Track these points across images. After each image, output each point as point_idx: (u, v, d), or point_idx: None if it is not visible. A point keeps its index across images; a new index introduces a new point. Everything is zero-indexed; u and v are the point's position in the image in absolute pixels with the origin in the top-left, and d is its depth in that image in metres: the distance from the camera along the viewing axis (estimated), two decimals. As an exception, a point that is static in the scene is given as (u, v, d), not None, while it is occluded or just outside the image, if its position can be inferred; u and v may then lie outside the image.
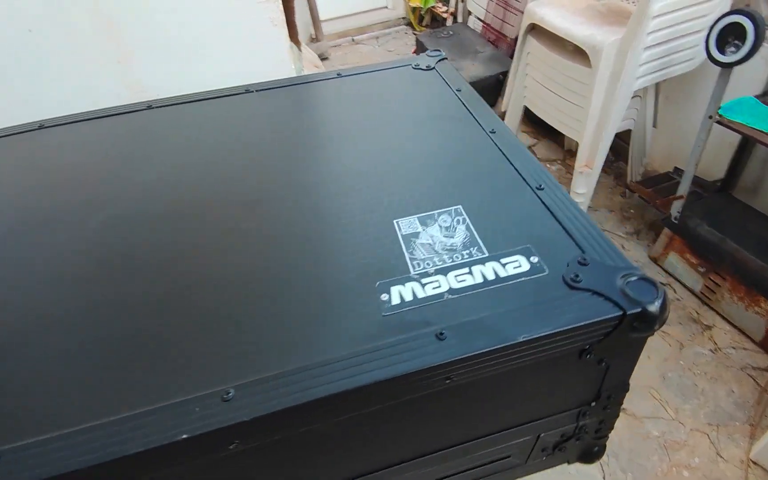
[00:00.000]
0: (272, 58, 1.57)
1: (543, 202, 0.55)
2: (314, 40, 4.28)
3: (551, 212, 0.53)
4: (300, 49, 1.79)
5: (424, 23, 4.71)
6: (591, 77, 1.98)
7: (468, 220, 0.54)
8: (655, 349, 1.80)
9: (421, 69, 0.87)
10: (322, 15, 4.34)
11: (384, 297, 0.45)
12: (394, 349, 0.40)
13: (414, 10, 4.58)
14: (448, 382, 0.41)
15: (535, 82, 2.41)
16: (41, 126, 0.78)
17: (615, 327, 0.42)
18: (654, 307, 0.41)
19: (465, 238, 0.51)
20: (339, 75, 0.87)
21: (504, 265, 0.48)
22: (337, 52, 4.60)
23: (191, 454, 0.36)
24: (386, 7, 4.83)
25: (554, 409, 0.51)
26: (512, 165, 0.61)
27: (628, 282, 0.43)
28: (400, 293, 0.46)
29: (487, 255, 0.49)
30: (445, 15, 4.60)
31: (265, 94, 0.83)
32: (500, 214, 0.54)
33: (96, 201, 0.59)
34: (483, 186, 0.58)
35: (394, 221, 0.54)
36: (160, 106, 0.81)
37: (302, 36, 4.14)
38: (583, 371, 0.47)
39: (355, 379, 0.38)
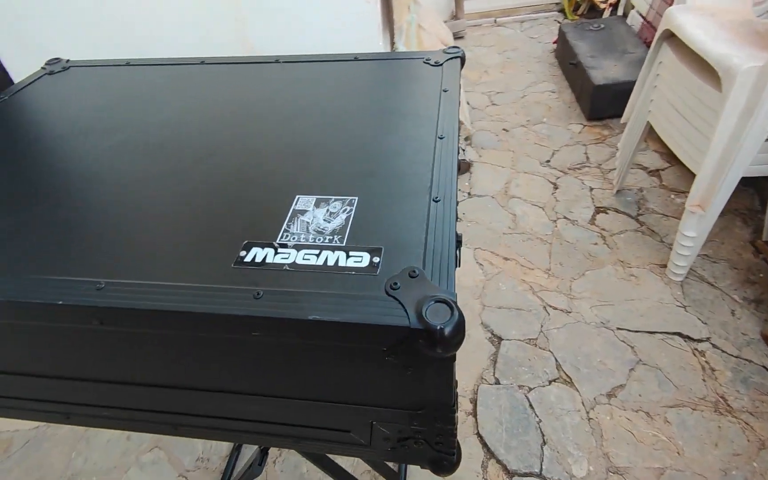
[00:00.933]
0: (363, 31, 1.68)
1: (428, 213, 0.57)
2: (453, 17, 4.25)
3: (427, 224, 0.55)
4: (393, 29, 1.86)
5: (579, 12, 4.32)
6: (720, 103, 1.69)
7: (353, 211, 0.59)
8: (727, 437, 1.56)
9: (429, 64, 0.89)
10: (467, -8, 4.27)
11: (242, 253, 0.54)
12: (218, 293, 0.50)
13: (570, -4, 4.21)
14: (255, 334, 0.49)
15: (662, 97, 2.12)
16: (128, 63, 1.01)
17: (405, 338, 0.45)
18: (436, 327, 0.43)
19: (338, 226, 0.57)
20: (356, 59, 0.94)
21: (348, 257, 0.53)
22: (474, 32, 4.51)
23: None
24: (540, -10, 4.52)
25: (380, 402, 0.55)
26: (432, 171, 0.63)
27: (432, 301, 0.45)
28: (255, 254, 0.54)
29: (342, 245, 0.54)
30: (603, 5, 4.16)
31: (287, 66, 0.95)
32: (384, 214, 0.58)
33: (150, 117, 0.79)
34: (391, 185, 0.62)
35: (297, 196, 0.62)
36: (211, 63, 0.98)
37: (442, 12, 4.14)
38: (395, 374, 0.50)
39: (172, 303, 0.48)
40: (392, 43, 2.20)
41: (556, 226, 2.46)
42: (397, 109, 0.78)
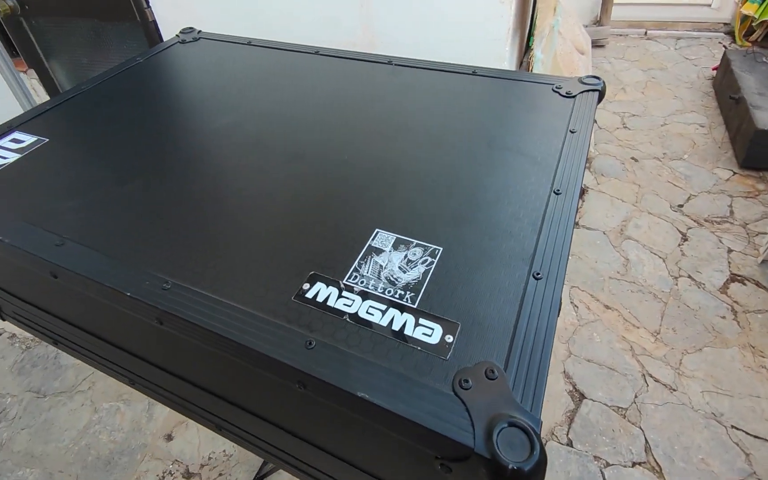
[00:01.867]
0: (491, 32, 1.56)
1: (524, 291, 0.46)
2: (597, 22, 3.85)
3: (520, 306, 0.45)
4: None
5: (752, 38, 3.66)
6: None
7: (435, 265, 0.51)
8: None
9: (559, 93, 0.76)
10: (619, -3, 3.81)
11: (306, 286, 0.49)
12: (273, 330, 0.45)
13: (745, 18, 3.58)
14: (299, 388, 0.44)
15: None
16: (249, 42, 1.02)
17: (463, 458, 0.37)
18: (508, 465, 0.34)
19: (414, 279, 0.49)
20: (474, 73, 0.84)
21: (417, 326, 0.45)
22: (619, 42, 4.04)
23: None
24: (708, 6, 3.91)
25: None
26: (538, 235, 0.52)
27: (508, 423, 0.36)
28: (319, 290, 0.49)
29: (413, 306, 0.47)
30: (787, 33, 3.48)
31: (399, 69, 0.88)
32: (470, 278, 0.49)
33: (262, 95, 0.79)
34: (485, 242, 0.52)
35: (377, 230, 0.55)
36: (325, 54, 0.95)
37: (585, 16, 3.77)
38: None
39: (227, 329, 0.45)
40: (522, 49, 2.03)
41: (676, 285, 2.12)
42: (510, 145, 0.67)
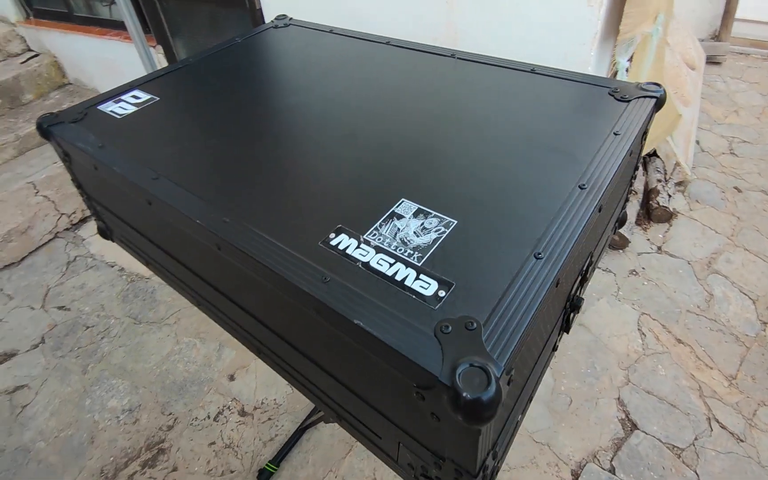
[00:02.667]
0: (576, 36, 1.54)
1: (521, 268, 0.51)
2: (714, 37, 3.49)
3: (513, 279, 0.49)
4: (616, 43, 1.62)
5: None
6: None
7: (445, 235, 0.56)
8: None
9: (614, 97, 0.76)
10: (744, 12, 3.41)
11: (332, 236, 0.58)
12: (298, 263, 0.55)
13: None
14: (315, 314, 0.53)
15: None
16: (331, 30, 1.14)
17: (431, 386, 0.43)
18: (463, 394, 0.40)
19: (424, 243, 0.56)
20: (533, 71, 0.86)
21: (416, 279, 0.51)
22: (738, 60, 3.62)
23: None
24: None
25: (407, 429, 0.53)
26: (550, 223, 0.55)
27: (471, 364, 0.42)
28: (341, 240, 0.57)
29: (417, 264, 0.53)
30: None
31: (461, 63, 0.93)
32: (475, 250, 0.54)
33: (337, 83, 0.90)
34: (498, 221, 0.57)
35: (402, 199, 0.62)
36: (395, 46, 1.03)
37: (702, 30, 3.44)
38: (423, 413, 0.48)
39: (264, 256, 0.55)
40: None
41: (764, 331, 1.91)
42: (549, 141, 0.70)
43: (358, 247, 0.56)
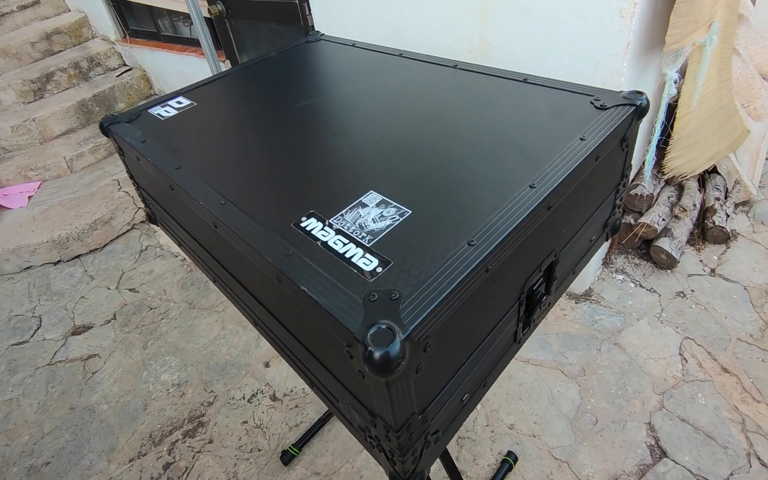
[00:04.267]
0: (607, 47, 1.54)
1: (454, 254, 0.56)
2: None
3: (444, 263, 0.55)
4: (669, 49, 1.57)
5: None
6: None
7: (398, 222, 0.63)
8: None
9: (594, 105, 0.78)
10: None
11: (304, 219, 0.67)
12: (270, 238, 0.64)
13: None
14: (277, 282, 0.62)
15: None
16: (353, 44, 1.24)
17: (352, 343, 0.50)
18: (369, 348, 0.47)
19: (378, 229, 0.63)
20: (525, 80, 0.90)
21: (363, 257, 0.59)
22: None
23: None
24: None
25: (350, 389, 0.60)
26: (489, 217, 0.60)
27: (384, 325, 0.48)
28: (310, 223, 0.66)
29: (366, 245, 0.60)
30: None
31: (460, 73, 0.99)
32: (421, 238, 0.60)
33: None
34: (445, 214, 0.63)
35: (371, 190, 0.70)
36: (407, 57, 1.11)
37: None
38: (353, 371, 0.55)
39: (244, 231, 0.66)
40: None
41: (829, 368, 1.73)
42: (516, 142, 0.74)
43: (322, 229, 0.65)
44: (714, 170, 2.40)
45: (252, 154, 0.85)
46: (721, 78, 2.28)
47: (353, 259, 0.59)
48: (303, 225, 0.66)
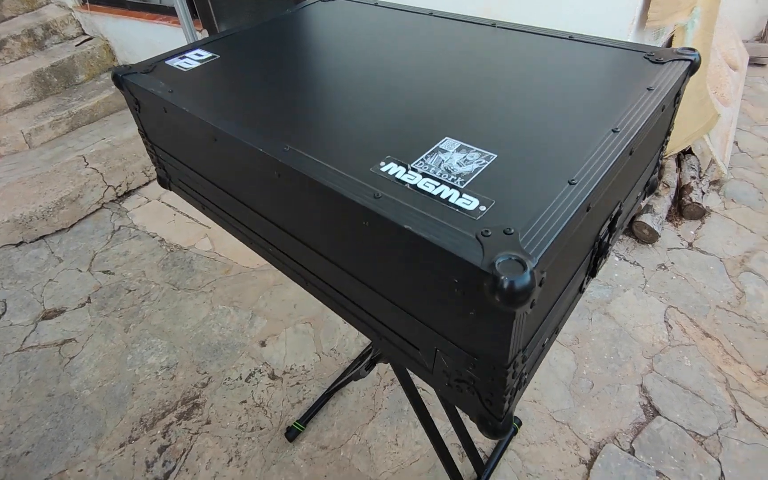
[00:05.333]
0: (613, 24, 1.57)
1: (557, 193, 0.56)
2: (760, 38, 3.41)
3: (549, 201, 0.55)
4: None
5: None
6: None
7: (486, 166, 0.62)
8: None
9: (650, 60, 0.80)
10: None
11: (382, 164, 0.65)
12: (354, 184, 0.61)
13: None
14: (365, 224, 0.59)
15: None
16: (376, 3, 1.21)
17: (473, 277, 0.49)
18: (501, 278, 0.45)
19: (467, 172, 0.61)
20: (570, 38, 0.91)
21: (460, 197, 0.57)
22: (786, 61, 3.51)
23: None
24: None
25: (444, 332, 0.59)
26: (584, 158, 0.60)
27: (509, 257, 0.47)
28: (391, 167, 0.64)
29: (460, 187, 0.59)
30: None
31: (500, 31, 0.98)
32: (515, 178, 0.59)
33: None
34: (535, 156, 0.62)
35: (446, 137, 0.68)
36: (438, 16, 1.09)
37: (747, 31, 3.36)
38: (461, 310, 0.54)
39: (322, 178, 0.62)
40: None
41: (799, 329, 1.88)
42: (583, 95, 0.74)
43: (406, 173, 0.62)
44: (689, 151, 2.54)
45: (303, 106, 0.81)
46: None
47: (450, 199, 0.57)
48: (384, 169, 0.63)
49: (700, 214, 2.34)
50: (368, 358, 1.28)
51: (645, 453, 1.58)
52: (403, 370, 1.17)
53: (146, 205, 3.02)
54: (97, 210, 2.97)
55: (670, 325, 1.98)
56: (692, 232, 2.34)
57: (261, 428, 1.79)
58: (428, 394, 1.77)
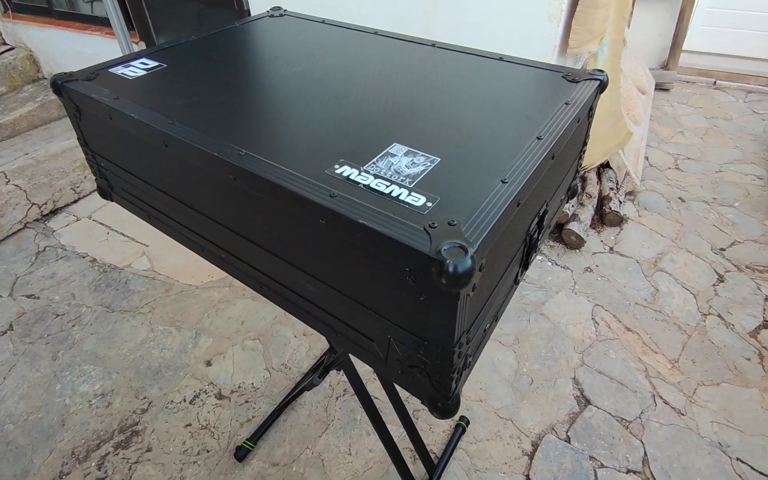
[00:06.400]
0: (539, 48, 1.72)
1: (492, 190, 0.63)
2: (663, 66, 3.86)
3: (485, 197, 0.62)
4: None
5: (832, 97, 3.52)
6: None
7: (431, 168, 0.68)
8: None
9: (566, 79, 0.92)
10: (691, 45, 3.81)
11: (336, 166, 0.69)
12: (309, 184, 0.65)
13: (828, 76, 3.47)
14: (322, 222, 0.63)
15: None
16: (323, 21, 1.26)
17: (422, 264, 0.54)
18: (447, 262, 0.51)
19: (414, 173, 0.67)
20: (500, 59, 1.02)
21: (409, 195, 0.63)
22: (684, 88, 4.01)
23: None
24: (789, 61, 3.80)
25: (397, 320, 0.64)
26: (513, 160, 0.68)
27: (453, 244, 0.53)
28: (344, 169, 0.68)
29: (409, 186, 0.65)
30: None
31: (439, 50, 1.07)
32: (455, 178, 0.66)
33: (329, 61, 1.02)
34: (472, 159, 0.70)
35: (394, 143, 0.74)
36: (382, 35, 1.16)
37: (652, 59, 3.79)
38: (411, 297, 0.59)
39: (278, 179, 0.65)
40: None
41: (704, 321, 2.13)
42: (512, 106, 0.84)
43: (359, 174, 0.67)
44: (607, 165, 2.81)
45: (256, 112, 0.84)
46: (611, 87, 2.69)
47: (401, 197, 0.63)
48: (338, 171, 0.68)
49: (618, 221, 2.60)
50: (322, 366, 1.30)
51: (579, 440, 1.71)
52: (357, 376, 1.20)
53: (75, 223, 2.83)
54: (19, 230, 2.74)
55: (597, 322, 2.16)
56: (613, 238, 2.59)
57: (208, 451, 1.73)
58: (381, 401, 1.80)
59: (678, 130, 3.49)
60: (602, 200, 2.66)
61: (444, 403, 0.65)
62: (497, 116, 0.81)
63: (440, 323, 0.58)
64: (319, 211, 0.62)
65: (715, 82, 3.93)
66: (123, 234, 2.72)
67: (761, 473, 1.60)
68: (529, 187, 0.66)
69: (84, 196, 3.04)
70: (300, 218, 0.67)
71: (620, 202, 2.62)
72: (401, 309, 0.62)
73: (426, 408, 0.67)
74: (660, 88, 3.85)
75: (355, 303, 0.68)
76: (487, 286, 0.68)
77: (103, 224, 2.80)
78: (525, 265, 0.83)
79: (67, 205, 2.94)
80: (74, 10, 3.11)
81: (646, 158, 3.20)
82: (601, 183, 2.74)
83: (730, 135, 3.41)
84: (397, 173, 0.68)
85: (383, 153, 0.72)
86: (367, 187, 0.65)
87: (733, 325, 2.10)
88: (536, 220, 0.80)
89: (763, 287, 2.26)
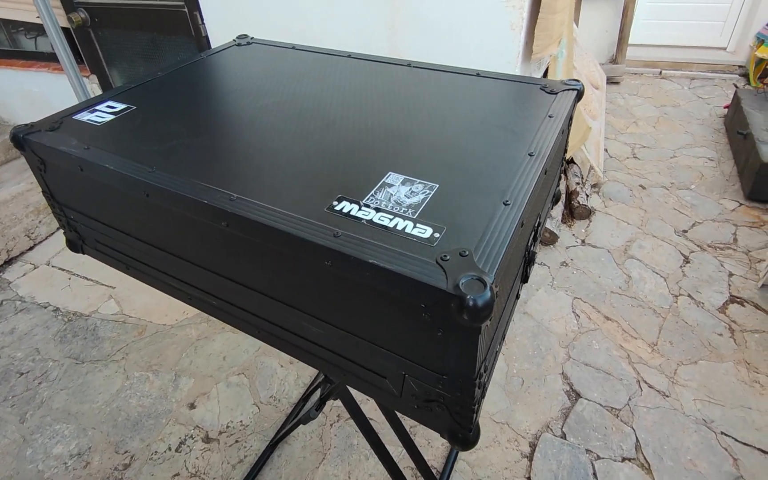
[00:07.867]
0: (503, 56, 1.76)
1: (494, 212, 0.63)
2: (612, 60, 4.05)
3: (490, 220, 0.62)
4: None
5: (766, 80, 3.79)
6: None
7: (431, 195, 0.68)
8: None
9: (545, 91, 0.94)
10: (636, 39, 4.01)
11: (335, 203, 0.67)
12: (310, 225, 0.63)
13: (760, 61, 3.73)
14: (327, 263, 0.61)
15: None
16: (293, 47, 1.24)
17: (440, 300, 0.53)
18: (467, 297, 0.50)
19: (415, 202, 0.66)
20: (477, 74, 1.03)
21: (414, 227, 0.62)
22: (633, 80, 4.22)
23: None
24: (724, 50, 4.07)
25: (413, 357, 0.62)
26: (512, 180, 0.69)
27: (471, 276, 0.52)
28: (344, 206, 0.66)
29: (412, 217, 0.64)
30: (799, 78, 3.62)
31: (415, 70, 1.07)
32: (456, 203, 0.66)
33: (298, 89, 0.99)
34: (471, 182, 0.69)
35: (389, 172, 0.73)
36: (356, 58, 1.15)
37: (601, 55, 3.96)
38: (428, 333, 0.58)
39: (276, 223, 0.63)
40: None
41: (676, 303, 2.22)
42: (499, 123, 0.84)
43: (359, 209, 0.66)
44: (572, 161, 2.91)
45: (240, 151, 0.81)
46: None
47: (407, 230, 0.61)
48: (338, 208, 0.66)
49: (587, 214, 2.68)
50: (318, 398, 1.26)
51: (574, 435, 1.74)
52: (353, 402, 1.17)
53: (33, 271, 2.66)
54: (-31, 285, 2.54)
55: (577, 314, 2.21)
56: (583, 230, 2.67)
57: (201, 498, 1.65)
58: (377, 423, 1.77)
59: (632, 121, 3.66)
60: (570, 195, 2.74)
61: (465, 435, 0.64)
62: (486, 135, 0.81)
63: (460, 357, 0.57)
64: (323, 253, 0.60)
65: (660, 72, 4.16)
66: (86, 278, 2.58)
67: (745, 444, 1.67)
68: (529, 206, 0.67)
69: (40, 242, 2.86)
70: (303, 261, 0.64)
71: (587, 196, 2.71)
72: (416, 345, 0.61)
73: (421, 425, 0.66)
74: (611, 81, 4.03)
75: (364, 341, 0.66)
76: (499, 309, 0.67)
77: (63, 270, 2.64)
78: (525, 278, 0.83)
79: (22, 253, 2.75)
80: (16, 48, 2.94)
81: (606, 150, 3.34)
82: (567, 178, 2.83)
83: (679, 121, 3.60)
84: (398, 204, 0.66)
85: (380, 184, 0.71)
86: (371, 222, 0.63)
87: (702, 303, 2.20)
88: (533, 234, 0.81)
89: (726, 264, 2.39)
